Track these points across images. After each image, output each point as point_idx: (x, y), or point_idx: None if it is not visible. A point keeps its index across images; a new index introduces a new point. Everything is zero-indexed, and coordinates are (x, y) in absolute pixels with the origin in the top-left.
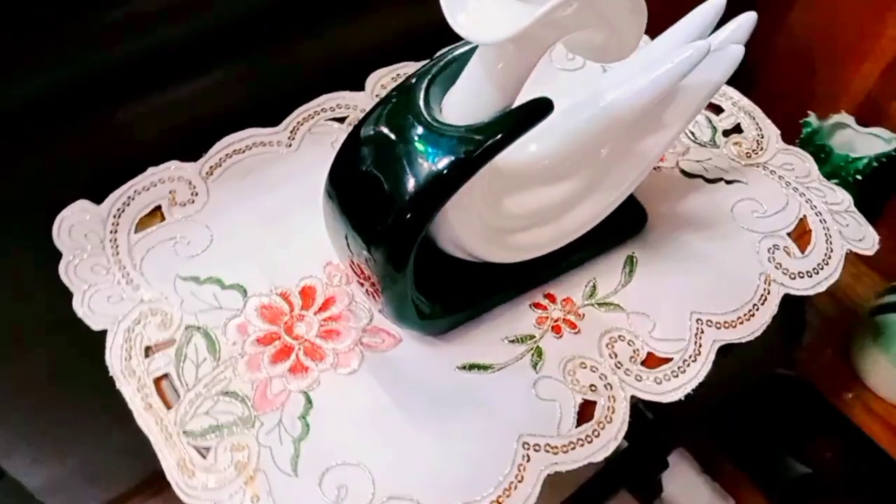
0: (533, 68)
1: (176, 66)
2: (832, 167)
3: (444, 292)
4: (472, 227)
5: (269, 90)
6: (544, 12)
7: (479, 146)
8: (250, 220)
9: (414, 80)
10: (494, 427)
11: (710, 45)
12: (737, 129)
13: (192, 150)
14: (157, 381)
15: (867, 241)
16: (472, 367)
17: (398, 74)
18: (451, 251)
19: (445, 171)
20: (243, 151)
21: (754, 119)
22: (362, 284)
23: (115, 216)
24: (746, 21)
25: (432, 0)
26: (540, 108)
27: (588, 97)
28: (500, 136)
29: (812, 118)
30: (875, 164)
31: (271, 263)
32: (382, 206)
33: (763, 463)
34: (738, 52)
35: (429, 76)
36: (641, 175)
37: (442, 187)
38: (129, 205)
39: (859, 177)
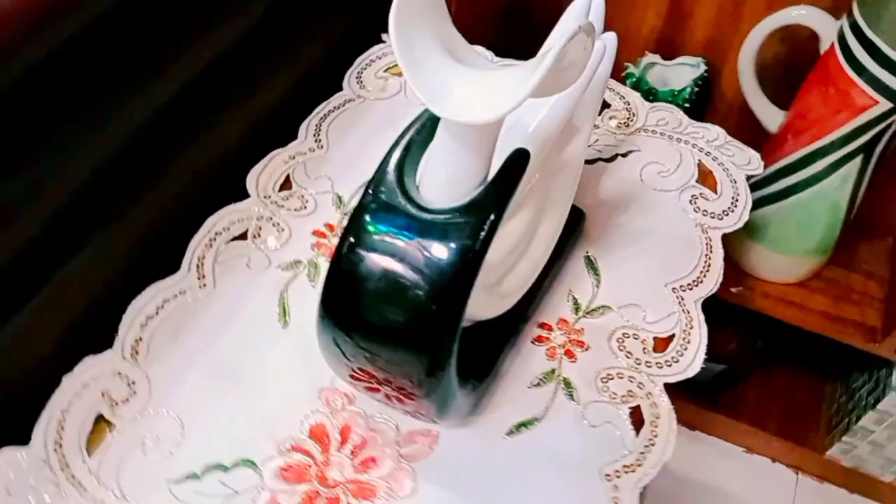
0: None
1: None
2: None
3: (466, 367)
4: (475, 295)
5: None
6: (531, 90)
7: (484, 225)
8: (210, 384)
9: (384, 173)
10: (571, 474)
11: (605, 43)
12: (604, 105)
13: (97, 341)
14: None
15: (753, 162)
16: (518, 427)
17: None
18: None
19: (464, 263)
20: (157, 314)
21: (613, 90)
22: (376, 391)
23: (56, 449)
24: (599, 6)
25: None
26: (519, 162)
27: (513, 127)
28: (499, 205)
29: (630, 67)
30: (696, 88)
31: (262, 420)
32: (411, 315)
33: None
34: (612, 38)
35: (396, 164)
36: (577, 181)
37: (465, 278)
38: (63, 429)
39: (687, 105)
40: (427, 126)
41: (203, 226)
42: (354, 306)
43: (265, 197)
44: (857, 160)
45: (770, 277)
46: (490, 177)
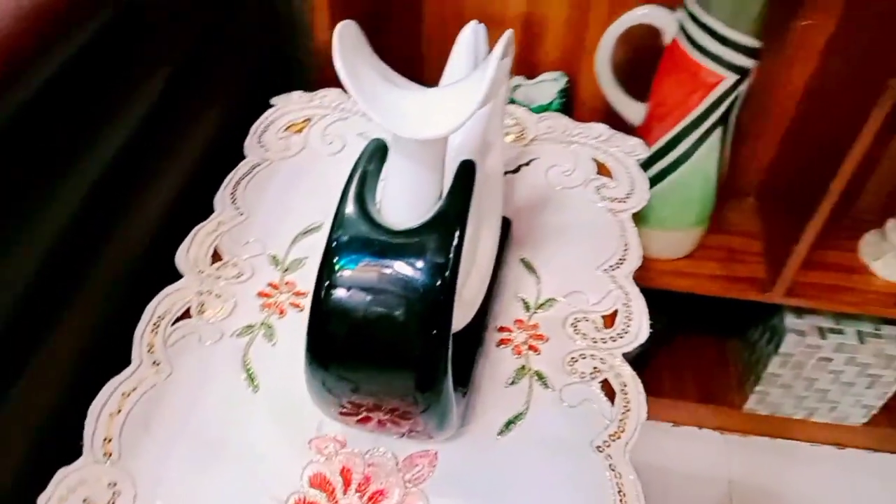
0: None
1: None
2: None
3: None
4: None
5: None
6: (484, 96)
7: (453, 236)
8: (196, 465)
9: (344, 206)
10: (567, 454)
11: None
12: None
13: (64, 451)
14: None
15: (638, 148)
16: (507, 425)
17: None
18: None
19: (441, 276)
20: (120, 410)
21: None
22: (367, 421)
23: None
24: (484, 34)
25: None
26: (469, 172)
27: None
28: (461, 215)
29: None
30: (562, 99)
31: (260, 484)
32: (401, 338)
33: None
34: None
35: (355, 195)
36: (501, 191)
37: (446, 291)
38: None
39: None
40: (377, 155)
41: (144, 314)
42: (342, 342)
43: (199, 272)
44: (718, 131)
45: (663, 255)
46: (444, 191)
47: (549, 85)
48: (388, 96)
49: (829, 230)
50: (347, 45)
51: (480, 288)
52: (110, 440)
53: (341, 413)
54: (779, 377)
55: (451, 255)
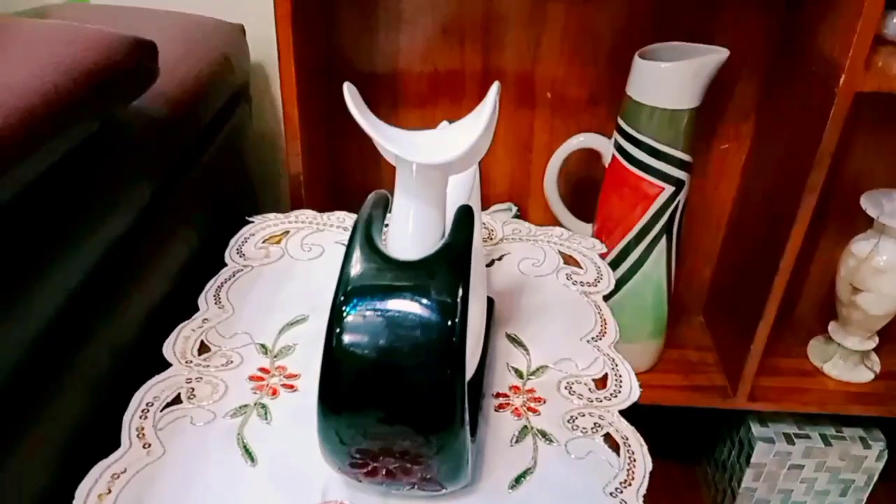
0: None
1: None
2: None
3: None
4: None
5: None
6: (484, 128)
7: (462, 266)
8: None
9: (354, 247)
10: (583, 502)
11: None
12: None
13: None
14: None
15: (597, 245)
16: (518, 480)
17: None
18: None
19: (451, 307)
20: (110, 491)
21: None
22: (376, 473)
23: None
24: None
25: None
26: (468, 213)
27: None
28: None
29: None
30: None
31: None
32: (415, 378)
33: None
34: None
35: (363, 235)
36: (483, 261)
37: (459, 328)
38: None
39: None
40: (380, 203)
41: (132, 400)
42: (354, 387)
43: (187, 362)
44: (663, 241)
45: None
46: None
47: (501, 215)
48: (400, 134)
49: (777, 339)
50: (357, 99)
51: (477, 347)
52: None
53: (351, 465)
54: (753, 492)
55: (461, 285)
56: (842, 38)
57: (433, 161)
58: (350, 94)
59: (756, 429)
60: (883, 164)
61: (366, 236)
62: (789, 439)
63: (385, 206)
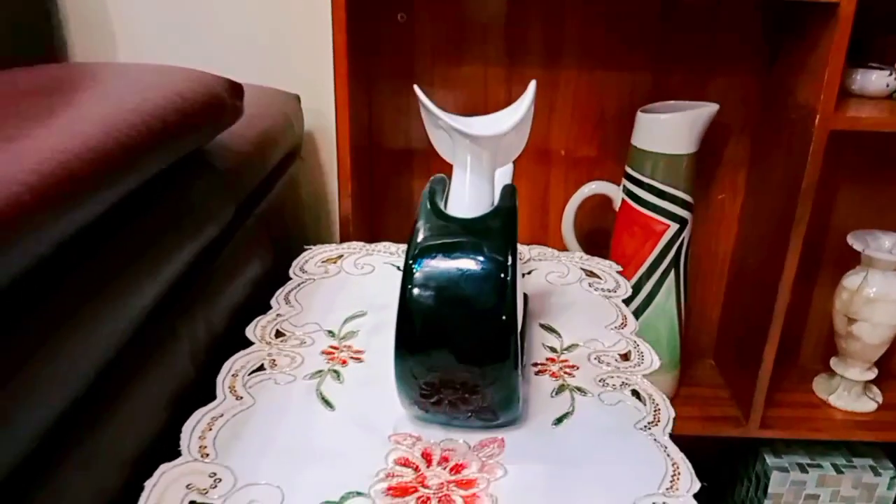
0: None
1: None
2: None
3: None
4: None
5: None
6: (528, 105)
7: (511, 229)
8: (286, 462)
9: (424, 213)
10: (616, 434)
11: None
12: None
13: None
14: None
15: (613, 266)
16: (559, 420)
17: None
18: None
19: (505, 262)
20: (210, 429)
21: None
22: (440, 404)
23: None
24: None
25: None
26: (512, 190)
27: None
28: (513, 209)
29: None
30: None
31: (347, 463)
32: (474, 322)
33: None
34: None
35: (429, 202)
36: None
37: (511, 270)
38: None
39: None
40: (440, 183)
41: (223, 368)
42: (425, 330)
43: (267, 343)
44: (672, 274)
45: None
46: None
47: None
48: (457, 119)
49: (784, 377)
50: (425, 97)
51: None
52: (204, 446)
53: (421, 395)
54: None
55: (511, 238)
56: (814, 88)
57: (487, 132)
58: (420, 92)
59: (770, 459)
60: (867, 210)
61: (430, 202)
62: (802, 468)
63: (444, 184)
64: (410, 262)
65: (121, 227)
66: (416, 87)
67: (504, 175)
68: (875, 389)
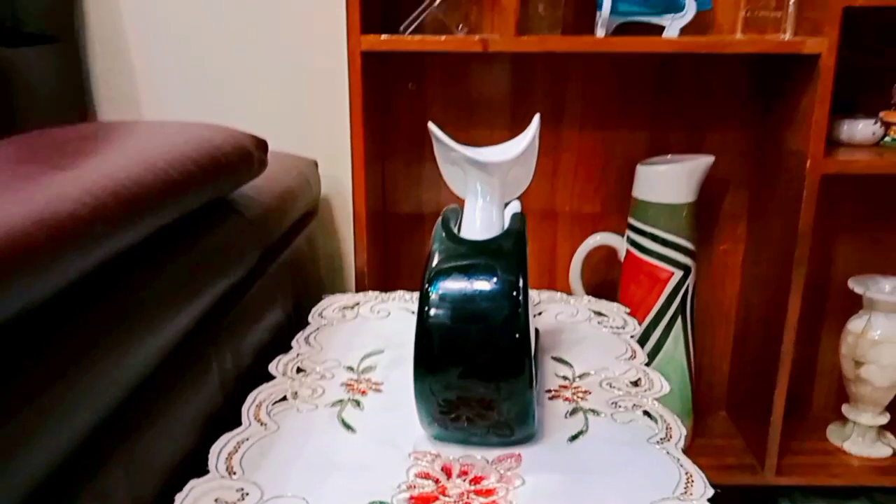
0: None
1: None
2: None
3: None
4: None
5: None
6: (533, 135)
7: (520, 251)
8: (310, 477)
9: (439, 241)
10: (630, 448)
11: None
12: None
13: None
14: None
15: (621, 308)
16: (574, 437)
17: None
18: None
19: (516, 281)
20: (237, 450)
21: None
22: (459, 419)
23: None
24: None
25: None
26: (521, 216)
27: None
28: (522, 232)
29: None
30: None
31: (371, 475)
32: (487, 339)
33: None
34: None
35: (442, 228)
36: None
37: (522, 286)
38: None
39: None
40: (453, 212)
41: (247, 399)
42: (442, 350)
43: (290, 378)
44: (679, 321)
45: None
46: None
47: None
48: (468, 149)
49: (797, 427)
50: (439, 131)
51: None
52: (233, 466)
53: (440, 412)
54: None
55: (521, 259)
56: (804, 135)
57: (496, 159)
58: (434, 128)
59: None
60: (867, 256)
61: (445, 228)
62: None
63: (457, 213)
64: (427, 284)
65: (162, 255)
66: (430, 124)
67: (512, 210)
68: (889, 435)
